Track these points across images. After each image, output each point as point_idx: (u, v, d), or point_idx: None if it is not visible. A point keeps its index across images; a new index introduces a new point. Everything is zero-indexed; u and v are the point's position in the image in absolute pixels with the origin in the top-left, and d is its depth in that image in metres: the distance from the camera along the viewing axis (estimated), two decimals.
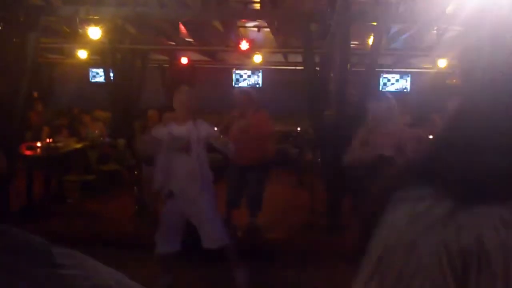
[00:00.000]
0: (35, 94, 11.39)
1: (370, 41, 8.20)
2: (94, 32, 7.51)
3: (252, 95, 6.11)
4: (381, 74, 13.89)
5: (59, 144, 7.57)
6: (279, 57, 12.44)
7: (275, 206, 7.14)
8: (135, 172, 6.93)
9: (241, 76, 14.20)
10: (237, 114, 6.01)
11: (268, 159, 6.20)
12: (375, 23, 7.33)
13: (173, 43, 10.75)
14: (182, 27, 9.86)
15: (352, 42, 7.27)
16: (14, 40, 6.23)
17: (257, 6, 8.34)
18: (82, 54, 11.05)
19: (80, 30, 8.01)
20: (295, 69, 11.32)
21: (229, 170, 6.20)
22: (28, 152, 7.22)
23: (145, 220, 5.91)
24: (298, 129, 11.86)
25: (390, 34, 9.49)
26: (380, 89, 13.95)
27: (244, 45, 8.03)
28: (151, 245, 4.52)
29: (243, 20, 8.93)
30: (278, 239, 6.24)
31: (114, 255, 5.53)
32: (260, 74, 14.10)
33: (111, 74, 10.29)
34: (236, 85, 13.89)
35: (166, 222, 4.49)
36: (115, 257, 5.41)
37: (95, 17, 7.10)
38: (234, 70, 14.03)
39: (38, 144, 7.60)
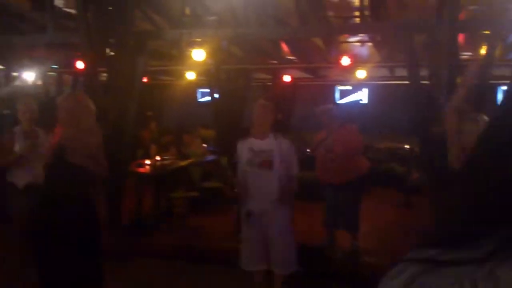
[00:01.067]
0: (149, 113, 11.99)
1: (484, 51, 7.67)
2: (198, 54, 7.76)
3: (332, 112, 5.87)
4: (499, 86, 12.94)
5: (166, 162, 7.88)
6: (385, 72, 12.07)
7: (379, 227, 6.86)
8: (235, 190, 7.00)
9: (344, 92, 13.98)
10: (323, 133, 5.86)
11: (361, 176, 5.84)
12: (488, 32, 6.84)
13: (275, 62, 10.86)
14: (284, 46, 9.93)
15: (463, 53, 6.84)
16: (125, 64, 6.59)
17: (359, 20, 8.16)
18: (190, 75, 11.49)
19: (185, 53, 8.35)
20: (401, 83, 10.91)
21: (325, 190, 6.02)
22: (138, 169, 7.59)
23: None
24: (406, 146, 11.38)
25: (507, 42, 8.81)
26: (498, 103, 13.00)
27: (345, 61, 7.87)
28: None
29: (345, 35, 8.80)
30: (380, 263, 5.95)
31: (214, 271, 5.69)
32: (364, 90, 13.78)
33: (216, 94, 10.62)
34: (338, 102, 13.70)
35: (247, 241, 4.45)
36: (214, 274, 5.55)
37: (198, 40, 7.35)
38: (336, 86, 13.85)
39: (148, 161, 7.96)
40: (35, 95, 10.33)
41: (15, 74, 11.82)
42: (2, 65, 12.02)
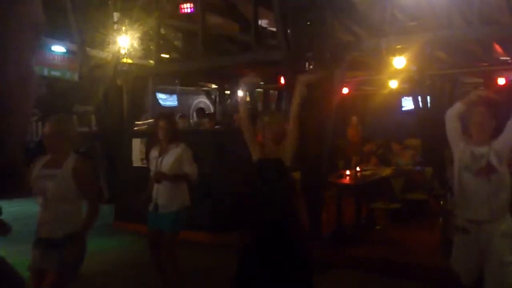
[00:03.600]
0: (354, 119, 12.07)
1: None
2: (399, 62, 7.54)
3: None
4: None
5: (366, 173, 7.78)
6: None
7: None
8: (441, 202, 6.59)
9: None
10: None
11: None
12: None
13: (486, 64, 9.98)
14: (496, 46, 9.08)
15: None
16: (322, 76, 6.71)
17: None
18: (393, 83, 11.21)
19: (386, 61, 8.18)
20: None
21: None
22: (338, 180, 7.63)
23: (449, 255, 5.53)
24: None
25: None
26: None
27: None
28: (450, 281, 4.18)
29: None
30: None
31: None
32: None
33: (421, 101, 10.20)
34: None
35: (458, 259, 4.07)
36: None
37: (398, 47, 7.14)
38: None
39: (348, 172, 7.97)
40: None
41: (227, 92, 12.95)
42: (216, 85, 13.29)
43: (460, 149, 3.99)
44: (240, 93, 11.58)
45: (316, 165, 6.85)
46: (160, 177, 4.95)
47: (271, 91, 14.01)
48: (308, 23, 6.63)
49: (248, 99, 12.64)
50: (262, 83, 12.50)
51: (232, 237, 6.45)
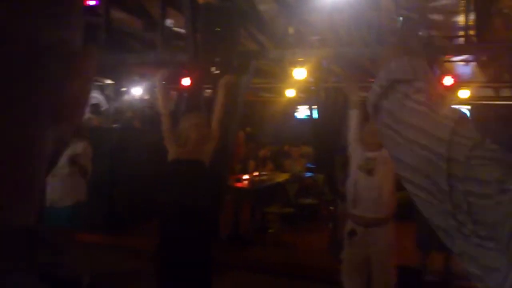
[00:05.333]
0: (248, 129, 12.27)
1: None
2: (299, 73, 7.86)
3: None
4: None
5: (263, 178, 8.04)
6: (489, 92, 11.55)
7: None
8: (331, 208, 7.01)
9: None
10: None
11: None
12: None
13: (373, 80, 10.70)
14: None
15: None
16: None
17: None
18: (290, 92, 11.60)
19: (287, 71, 8.50)
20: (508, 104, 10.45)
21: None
22: (236, 184, 7.81)
23: (337, 257, 5.91)
24: None
25: None
26: None
27: (447, 80, 7.58)
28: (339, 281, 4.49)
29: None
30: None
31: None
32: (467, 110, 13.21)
33: (315, 111, 10.68)
34: None
35: (349, 262, 4.39)
36: None
37: (300, 59, 7.47)
38: None
39: (245, 176, 8.18)
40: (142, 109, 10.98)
41: (123, 89, 12.62)
42: (112, 80, 12.89)
43: (357, 154, 4.44)
44: (156, 91, 11.39)
45: (218, 169, 6.95)
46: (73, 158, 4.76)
47: (171, 91, 13.85)
48: (218, 28, 6.73)
49: (146, 98, 12.45)
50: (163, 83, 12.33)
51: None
